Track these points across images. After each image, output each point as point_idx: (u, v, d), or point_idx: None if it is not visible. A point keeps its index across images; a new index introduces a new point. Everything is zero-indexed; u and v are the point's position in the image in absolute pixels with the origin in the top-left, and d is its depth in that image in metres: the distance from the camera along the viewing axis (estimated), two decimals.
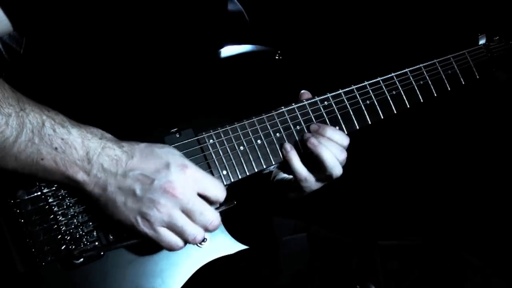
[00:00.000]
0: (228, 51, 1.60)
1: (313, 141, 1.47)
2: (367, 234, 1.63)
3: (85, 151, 1.23)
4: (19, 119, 1.19)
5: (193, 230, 1.27)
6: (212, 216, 1.28)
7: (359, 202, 2.65)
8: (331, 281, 1.38)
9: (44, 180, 1.27)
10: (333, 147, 1.48)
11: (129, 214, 1.25)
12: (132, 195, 1.24)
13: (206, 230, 1.29)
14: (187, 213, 1.27)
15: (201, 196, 1.28)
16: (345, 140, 1.51)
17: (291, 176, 1.59)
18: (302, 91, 1.59)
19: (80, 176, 1.24)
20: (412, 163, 2.65)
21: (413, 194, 2.65)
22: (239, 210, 1.40)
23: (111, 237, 1.33)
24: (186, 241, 1.29)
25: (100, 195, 1.25)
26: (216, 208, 1.33)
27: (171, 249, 1.28)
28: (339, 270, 1.41)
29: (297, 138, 1.54)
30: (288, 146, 1.50)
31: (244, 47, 1.60)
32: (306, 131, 1.54)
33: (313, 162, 1.49)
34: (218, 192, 1.30)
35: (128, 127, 1.40)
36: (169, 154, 1.28)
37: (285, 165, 1.54)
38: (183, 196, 1.25)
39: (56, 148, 1.21)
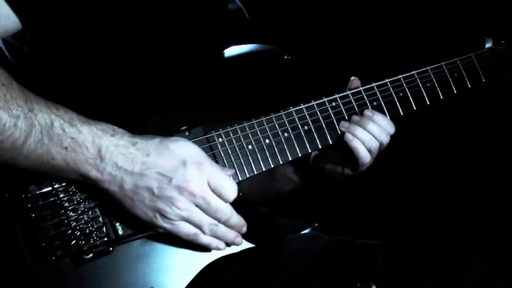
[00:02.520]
0: (236, 50, 1.61)
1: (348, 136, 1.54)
2: (368, 234, 1.63)
3: (96, 149, 1.23)
4: (27, 120, 1.19)
5: (210, 225, 1.32)
6: (227, 210, 1.32)
7: (360, 202, 2.66)
8: (332, 280, 1.39)
9: (56, 177, 1.28)
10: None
11: (147, 210, 1.27)
12: (150, 193, 1.26)
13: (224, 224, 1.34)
14: (204, 209, 1.30)
15: (215, 192, 1.31)
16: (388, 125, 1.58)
17: (340, 158, 1.61)
18: (352, 78, 1.63)
19: (93, 174, 1.24)
20: (413, 164, 2.65)
21: (414, 194, 2.66)
22: (242, 209, 1.41)
23: (121, 232, 1.34)
24: (204, 233, 1.33)
25: (115, 192, 1.26)
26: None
27: (189, 238, 1.32)
28: (340, 269, 1.41)
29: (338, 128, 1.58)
30: (350, 136, 1.53)
31: (253, 46, 1.61)
32: (314, 131, 1.55)
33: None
34: (231, 191, 1.32)
35: (138, 125, 1.40)
36: (185, 149, 1.29)
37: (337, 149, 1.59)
38: (200, 195, 1.28)
39: (66, 148, 1.21)
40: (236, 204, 1.37)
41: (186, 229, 1.31)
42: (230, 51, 1.61)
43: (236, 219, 1.36)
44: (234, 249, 1.45)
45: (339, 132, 1.58)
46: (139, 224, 1.32)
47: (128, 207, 1.28)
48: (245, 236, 1.45)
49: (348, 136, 1.54)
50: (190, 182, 1.26)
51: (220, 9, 1.66)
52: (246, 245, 1.47)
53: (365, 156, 1.54)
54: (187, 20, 1.54)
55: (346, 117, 1.60)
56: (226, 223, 1.34)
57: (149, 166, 1.26)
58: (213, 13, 1.61)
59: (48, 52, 1.45)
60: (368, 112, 1.57)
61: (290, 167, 1.74)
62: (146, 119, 1.45)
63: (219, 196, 1.31)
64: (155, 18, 1.48)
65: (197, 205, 1.29)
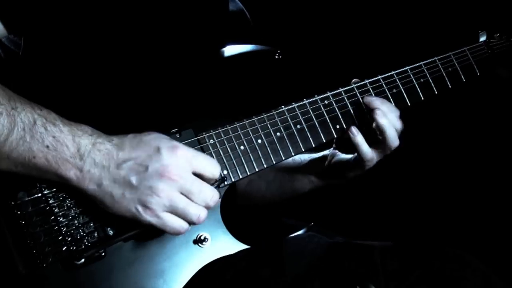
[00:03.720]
0: (228, 51, 1.60)
1: (378, 113, 1.55)
2: (367, 234, 1.63)
3: (76, 148, 1.24)
4: (10, 117, 1.19)
5: (195, 210, 1.28)
6: (211, 192, 1.30)
7: (359, 202, 2.65)
8: (331, 282, 1.38)
9: (39, 179, 1.27)
10: (392, 118, 1.56)
11: (128, 205, 1.26)
12: (129, 186, 1.25)
13: (207, 207, 1.30)
14: (186, 194, 1.28)
15: (196, 174, 1.29)
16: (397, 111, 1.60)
17: (349, 157, 1.65)
18: (354, 80, 1.64)
19: (73, 173, 1.24)
20: (412, 163, 2.64)
21: (413, 194, 2.65)
22: (240, 210, 1.40)
23: (111, 235, 1.33)
24: (190, 222, 1.30)
25: (95, 191, 1.25)
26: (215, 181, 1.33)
27: (176, 233, 1.29)
28: (339, 271, 1.40)
29: (353, 115, 1.59)
30: (354, 130, 1.55)
31: (244, 46, 1.60)
32: (307, 130, 1.54)
33: (374, 138, 1.57)
34: (212, 168, 1.31)
35: (128, 128, 1.39)
36: (157, 139, 1.29)
37: (345, 147, 1.61)
38: (179, 178, 1.26)
39: (47, 146, 1.22)
40: (234, 204, 1.36)
41: (172, 222, 1.27)
42: (223, 52, 1.60)
43: (217, 199, 1.32)
44: (231, 250, 1.45)
45: (344, 125, 1.59)
46: (127, 225, 1.30)
47: (110, 205, 1.26)
48: (245, 237, 1.43)
49: (377, 112, 1.55)
50: (167, 165, 1.25)
51: (219, 9, 1.65)
52: (243, 246, 1.46)
53: (394, 137, 1.56)
54: (184, 20, 1.54)
55: (339, 115, 1.59)
56: (209, 205, 1.31)
57: (125, 159, 1.26)
58: (212, 13, 1.61)
59: (43, 57, 1.45)
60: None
61: (310, 167, 1.75)
62: (136, 122, 1.44)
63: (202, 176, 1.30)
64: (152, 18, 1.49)
65: (180, 191, 1.27)
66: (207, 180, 1.31)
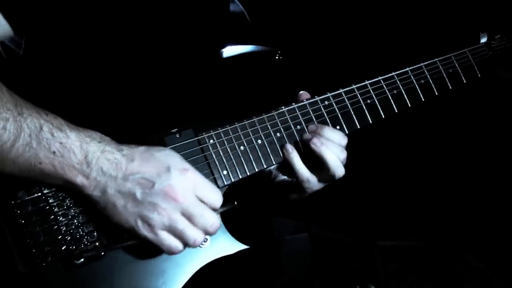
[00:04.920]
0: (228, 51, 1.60)
1: (315, 141, 1.47)
2: (367, 234, 1.63)
3: (83, 155, 1.23)
4: (16, 123, 1.19)
5: (193, 233, 1.28)
6: (212, 219, 1.29)
7: (359, 202, 2.64)
8: (331, 281, 1.38)
9: (44, 183, 1.27)
10: (334, 147, 1.47)
11: (129, 217, 1.25)
12: (132, 199, 1.24)
13: (207, 232, 1.30)
14: (188, 217, 1.27)
15: (199, 200, 1.29)
16: (343, 139, 1.51)
17: (291, 178, 1.59)
18: (301, 92, 1.59)
19: (79, 179, 1.24)
20: (412, 163, 2.64)
21: (413, 195, 2.64)
22: (240, 210, 1.40)
23: (112, 238, 1.33)
24: (186, 244, 1.29)
25: (99, 198, 1.25)
26: (216, 210, 1.33)
27: (171, 252, 1.29)
28: (339, 270, 1.40)
29: (297, 138, 1.53)
30: (289, 147, 1.49)
31: (245, 47, 1.61)
32: (306, 131, 1.54)
33: (315, 162, 1.49)
34: (216, 198, 1.31)
35: (129, 128, 1.40)
36: (169, 157, 1.28)
37: (286, 167, 1.54)
38: (184, 200, 1.25)
39: (54, 152, 1.21)
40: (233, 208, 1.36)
41: (168, 241, 1.27)
42: (223, 52, 1.60)
43: (217, 225, 1.31)
44: (230, 250, 1.44)
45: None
46: (123, 234, 1.30)
47: (110, 213, 1.26)
48: (245, 237, 1.43)
49: (315, 141, 1.47)
50: (173, 186, 1.25)
51: (220, 10, 1.65)
52: (243, 246, 1.46)
53: (338, 166, 1.48)
54: (185, 21, 1.54)
55: (339, 116, 1.59)
56: (208, 232, 1.31)
57: (133, 172, 1.25)
58: (213, 14, 1.61)
59: (43, 57, 1.45)
60: (312, 127, 1.53)
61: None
62: (137, 121, 1.44)
63: (205, 203, 1.29)
64: (154, 18, 1.49)
65: (182, 212, 1.26)
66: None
